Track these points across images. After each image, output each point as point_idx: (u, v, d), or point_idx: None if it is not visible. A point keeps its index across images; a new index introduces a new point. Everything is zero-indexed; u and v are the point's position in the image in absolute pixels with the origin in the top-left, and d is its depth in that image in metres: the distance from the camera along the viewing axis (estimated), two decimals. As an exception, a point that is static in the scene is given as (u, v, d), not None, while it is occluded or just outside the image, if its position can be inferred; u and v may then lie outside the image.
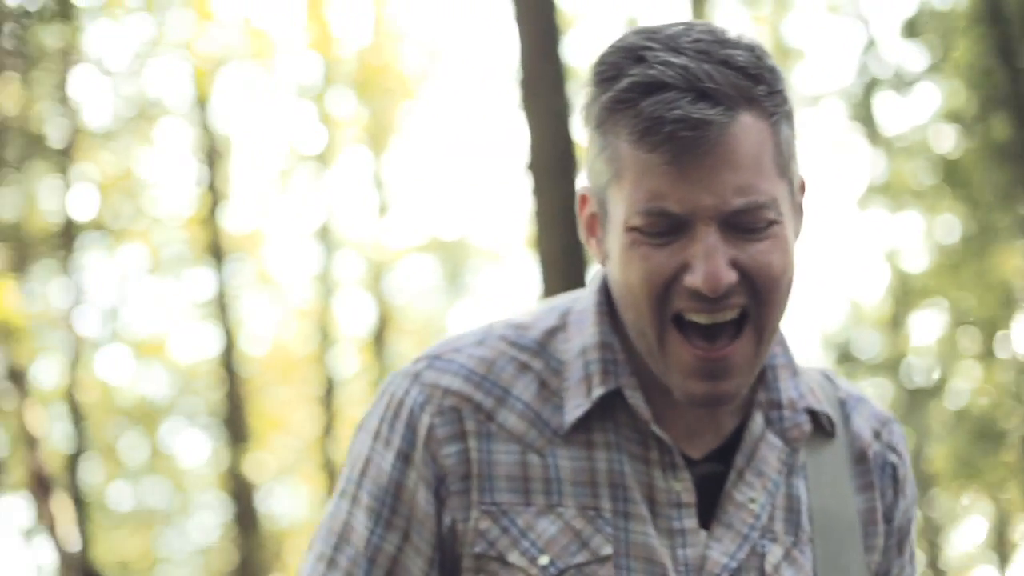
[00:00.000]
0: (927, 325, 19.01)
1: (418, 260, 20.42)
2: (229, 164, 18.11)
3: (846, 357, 16.76)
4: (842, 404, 2.16)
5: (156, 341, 18.95)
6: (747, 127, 1.90)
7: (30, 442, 13.55)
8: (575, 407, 2.00)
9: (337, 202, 18.33)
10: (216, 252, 17.51)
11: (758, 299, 1.92)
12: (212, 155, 17.45)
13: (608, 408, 2.02)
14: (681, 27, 1.97)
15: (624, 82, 1.90)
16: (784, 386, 2.08)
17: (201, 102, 17.33)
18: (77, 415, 17.37)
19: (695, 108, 1.87)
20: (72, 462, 17.17)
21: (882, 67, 16.88)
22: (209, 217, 17.37)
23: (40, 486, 13.39)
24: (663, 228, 1.89)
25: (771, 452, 2.05)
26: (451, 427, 2.01)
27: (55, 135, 16.70)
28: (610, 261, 1.97)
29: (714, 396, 1.94)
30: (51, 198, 17.22)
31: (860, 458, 2.14)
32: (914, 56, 17.25)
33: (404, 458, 2.02)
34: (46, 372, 17.95)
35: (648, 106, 1.87)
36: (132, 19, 17.07)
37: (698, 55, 1.91)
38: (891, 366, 17.60)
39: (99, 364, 18.94)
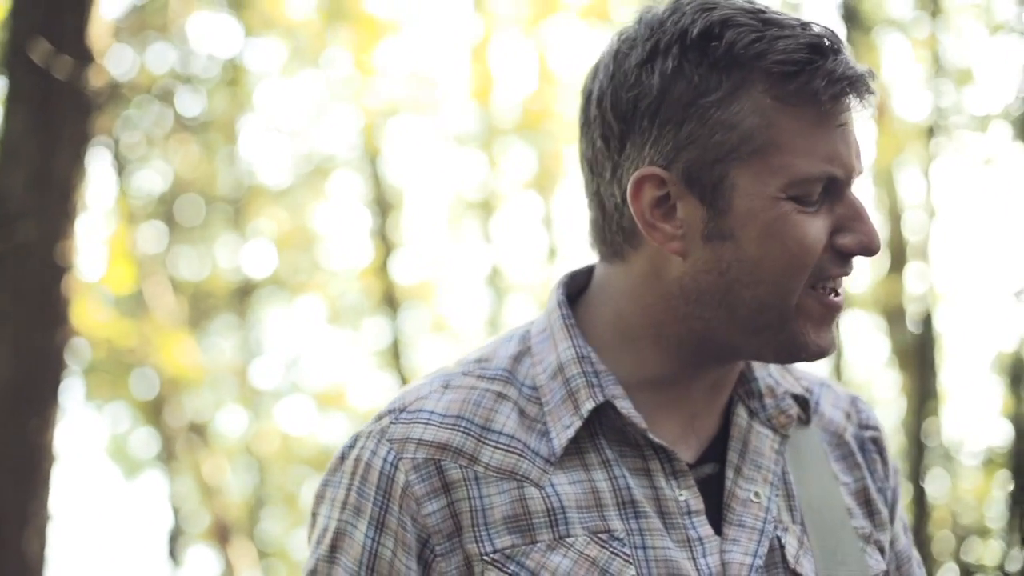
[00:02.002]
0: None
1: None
2: (401, 214, 18.35)
3: (1020, 379, 16.40)
4: (808, 392, 2.10)
5: (335, 391, 19.21)
6: None
7: (210, 492, 13.90)
8: (564, 428, 1.89)
9: (507, 247, 18.44)
10: (390, 301, 17.76)
11: None
12: (384, 206, 17.73)
13: (594, 424, 1.90)
14: None
15: (786, 43, 1.82)
16: (759, 375, 2.02)
17: (371, 154, 17.62)
18: (258, 465, 17.76)
19: (863, 68, 1.85)
20: (254, 511, 17.55)
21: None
22: (382, 267, 17.63)
23: (221, 535, 13.72)
24: (818, 195, 1.85)
25: (763, 443, 1.98)
26: (430, 481, 1.85)
27: (230, 194, 17.13)
28: (729, 241, 1.85)
29: (835, 344, 1.90)
30: (228, 255, 17.65)
31: (838, 442, 2.10)
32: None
33: (378, 525, 1.86)
34: (228, 424, 18.37)
35: (836, 66, 1.82)
36: (301, 76, 17.46)
37: (810, 20, 1.87)
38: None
39: (279, 415, 19.28)
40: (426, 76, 17.16)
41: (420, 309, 18.61)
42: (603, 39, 1.96)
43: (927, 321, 17.41)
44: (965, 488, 16.61)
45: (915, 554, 2.14)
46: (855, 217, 1.86)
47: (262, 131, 19.78)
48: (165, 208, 16.19)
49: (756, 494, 1.94)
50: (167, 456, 15.43)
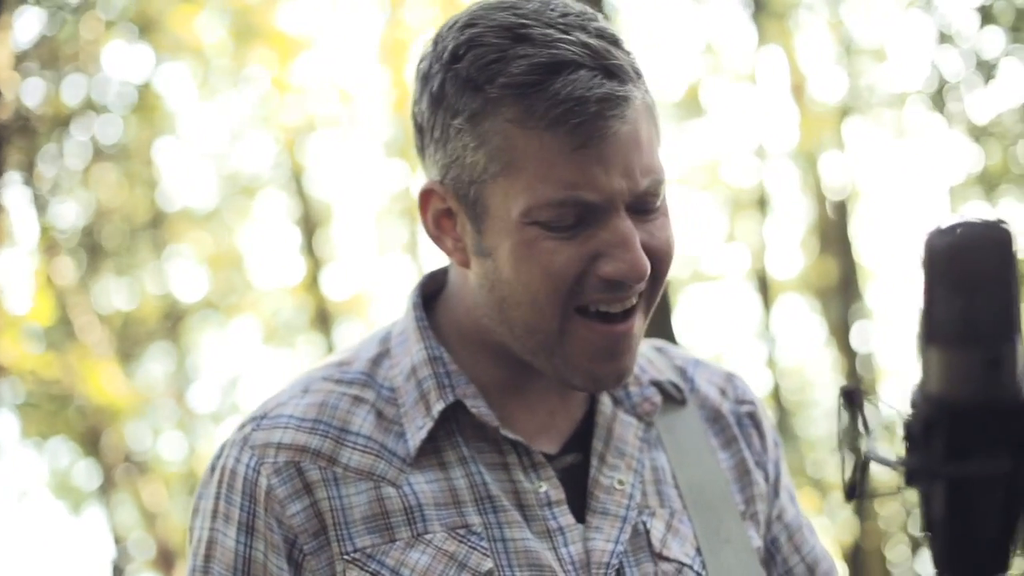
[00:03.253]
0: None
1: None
2: (328, 229, 18.33)
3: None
4: (682, 372, 2.12)
5: (274, 410, 19.05)
6: (640, 104, 1.81)
7: (153, 520, 13.86)
8: (418, 429, 1.90)
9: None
10: (324, 317, 17.73)
11: (654, 277, 1.84)
12: (311, 222, 17.69)
13: (452, 422, 1.92)
14: (536, 0, 1.83)
15: (520, 64, 1.77)
16: None
17: (295, 172, 17.59)
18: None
19: (611, 86, 1.77)
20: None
21: (963, 57, 16.73)
22: (313, 284, 17.60)
23: (166, 562, 13.67)
24: (571, 219, 1.78)
25: (627, 431, 1.99)
26: (291, 484, 1.87)
27: (156, 219, 17.04)
28: (490, 260, 1.84)
29: (620, 374, 1.87)
30: (158, 281, 17.58)
31: (715, 418, 2.10)
32: (992, 41, 17.10)
33: (247, 529, 1.88)
34: (168, 450, 18.27)
35: (563, 87, 1.74)
36: (219, 98, 17.41)
37: (582, 31, 1.79)
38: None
39: (220, 437, 19.15)
40: (344, 89, 17.14)
41: (354, 323, 18.58)
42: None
43: (859, 299, 17.54)
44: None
45: (805, 521, 2.16)
46: (617, 244, 1.79)
47: (184, 155, 19.68)
48: (90, 238, 16.08)
49: (620, 481, 1.95)
50: (108, 487, 15.35)
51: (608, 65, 1.77)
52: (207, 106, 17.39)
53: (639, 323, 1.88)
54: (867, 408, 1.38)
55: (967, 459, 1.29)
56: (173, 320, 17.33)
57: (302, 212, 17.67)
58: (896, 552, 16.61)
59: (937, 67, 16.65)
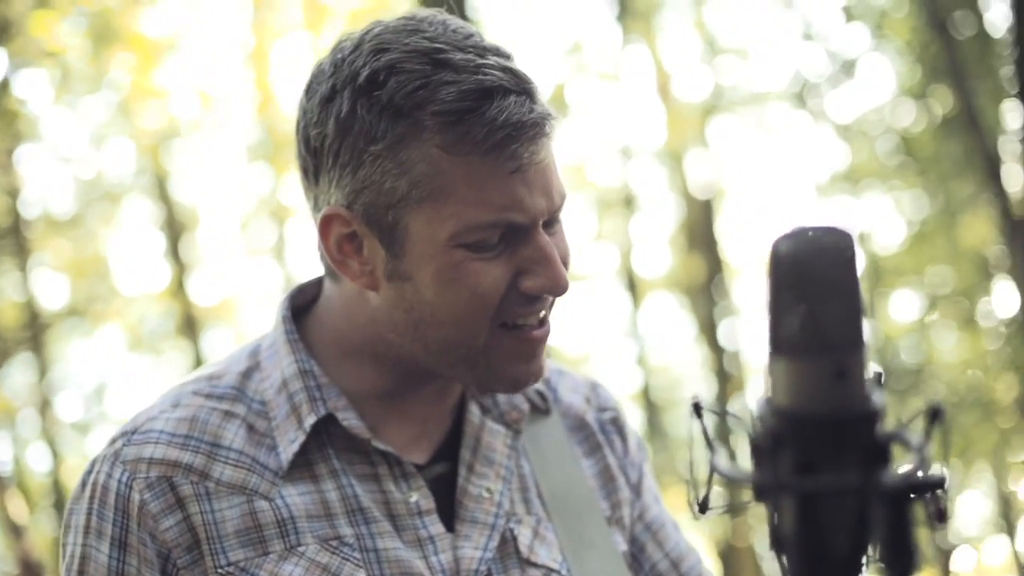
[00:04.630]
0: (905, 304, 19.08)
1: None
2: (194, 234, 18.16)
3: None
4: (546, 381, 2.15)
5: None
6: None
7: (16, 532, 13.63)
8: (289, 443, 1.92)
9: (302, 258, 18.34)
10: (191, 323, 17.56)
11: None
12: (176, 228, 17.51)
13: (323, 435, 1.93)
14: (435, 23, 1.85)
15: (448, 91, 1.77)
16: None
17: (159, 176, 17.39)
18: (65, 501, 17.42)
19: (539, 110, 1.81)
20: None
21: (827, 56, 16.96)
22: (179, 290, 17.43)
23: (29, 574, 13.45)
24: (495, 240, 1.82)
25: (496, 439, 2.03)
26: (164, 498, 1.87)
27: (16, 226, 16.75)
28: (409, 283, 1.85)
29: (539, 374, 1.92)
30: (20, 289, 17.28)
31: (579, 426, 2.14)
32: (855, 40, 17.37)
33: (120, 545, 1.88)
34: (32, 461, 18.02)
35: (498, 113, 1.77)
36: (81, 105, 17.15)
37: (493, 54, 1.82)
38: (875, 349, 17.61)
39: (88, 447, 18.94)
40: (207, 93, 16.99)
41: (221, 329, 18.43)
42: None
43: (726, 296, 17.70)
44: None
45: (669, 518, 2.20)
46: (540, 260, 1.84)
47: (44, 161, 19.36)
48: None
49: (488, 490, 1.99)
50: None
51: (529, 88, 1.82)
52: (67, 111, 17.11)
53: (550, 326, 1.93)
54: (715, 421, 1.34)
55: (816, 472, 1.26)
56: (36, 329, 17.02)
57: (166, 217, 17.50)
58: (765, 547, 16.78)
59: (800, 66, 16.87)
